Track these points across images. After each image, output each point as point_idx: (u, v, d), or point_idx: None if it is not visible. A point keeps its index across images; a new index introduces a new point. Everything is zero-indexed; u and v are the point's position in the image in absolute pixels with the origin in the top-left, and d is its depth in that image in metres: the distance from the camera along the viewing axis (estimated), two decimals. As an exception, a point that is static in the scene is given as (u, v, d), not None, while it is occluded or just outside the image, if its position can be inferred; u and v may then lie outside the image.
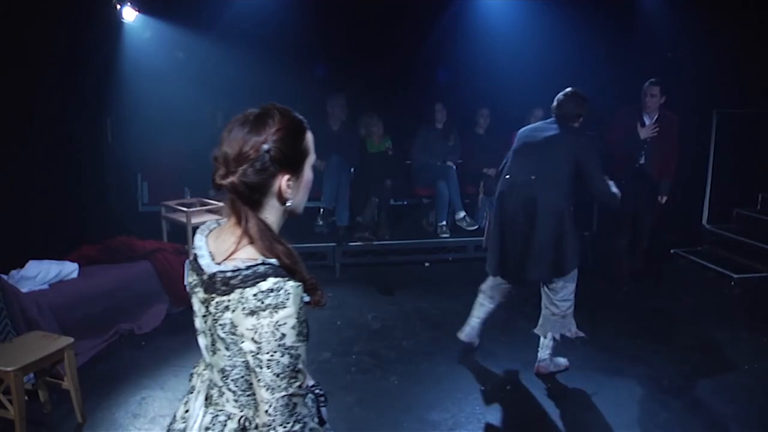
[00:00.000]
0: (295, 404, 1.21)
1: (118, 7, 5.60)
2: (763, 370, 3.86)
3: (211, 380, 1.36)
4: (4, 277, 3.71)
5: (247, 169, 1.23)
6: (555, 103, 3.63)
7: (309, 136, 1.32)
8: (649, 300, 5.12)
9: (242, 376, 1.28)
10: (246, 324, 1.18)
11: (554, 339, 3.69)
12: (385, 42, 6.41)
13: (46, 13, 4.63)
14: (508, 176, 3.65)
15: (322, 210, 6.02)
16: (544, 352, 3.72)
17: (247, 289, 1.18)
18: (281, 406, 1.19)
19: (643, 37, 6.28)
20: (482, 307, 3.89)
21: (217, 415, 1.33)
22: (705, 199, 6.27)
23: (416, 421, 3.25)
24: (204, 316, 1.29)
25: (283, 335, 1.17)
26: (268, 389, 1.19)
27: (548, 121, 3.67)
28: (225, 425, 1.31)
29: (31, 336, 3.22)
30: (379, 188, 5.95)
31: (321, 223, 6.07)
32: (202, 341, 1.34)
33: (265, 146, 1.23)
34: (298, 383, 1.21)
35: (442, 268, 5.92)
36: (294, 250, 1.27)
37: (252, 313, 1.17)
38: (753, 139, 6.00)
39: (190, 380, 1.52)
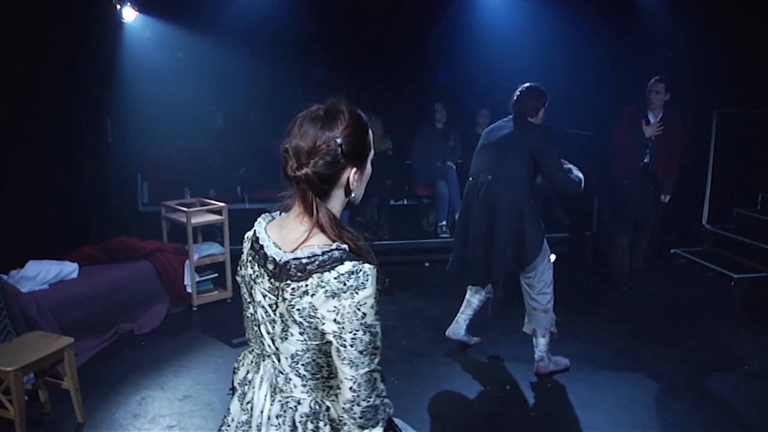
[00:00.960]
0: (376, 379, 1.29)
1: (118, 7, 5.60)
2: (763, 370, 3.86)
3: (275, 369, 1.39)
4: (4, 277, 3.71)
5: (319, 161, 1.29)
6: (513, 98, 3.65)
7: (371, 133, 1.40)
8: (649, 300, 5.11)
9: (314, 360, 1.32)
10: (327, 306, 1.25)
11: (549, 335, 3.70)
12: (385, 42, 6.41)
13: (46, 13, 4.63)
14: (470, 178, 3.74)
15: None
16: (539, 351, 3.73)
17: (326, 273, 1.25)
18: (365, 381, 1.27)
19: (643, 37, 6.28)
20: (468, 303, 3.95)
21: (286, 402, 1.37)
22: (705, 199, 6.27)
23: (416, 421, 3.24)
24: (272, 304, 1.34)
25: (364, 314, 1.24)
26: (352, 366, 1.26)
27: (506, 119, 3.69)
28: (296, 410, 1.36)
29: (31, 336, 3.22)
30: (379, 188, 5.95)
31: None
32: (266, 330, 1.38)
33: (338, 140, 1.30)
34: (377, 359, 1.29)
35: (442, 268, 5.86)
36: (360, 237, 1.35)
37: (334, 295, 1.24)
38: (753, 139, 6.00)
39: (234, 373, 1.55)
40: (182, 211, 4.81)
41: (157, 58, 6.03)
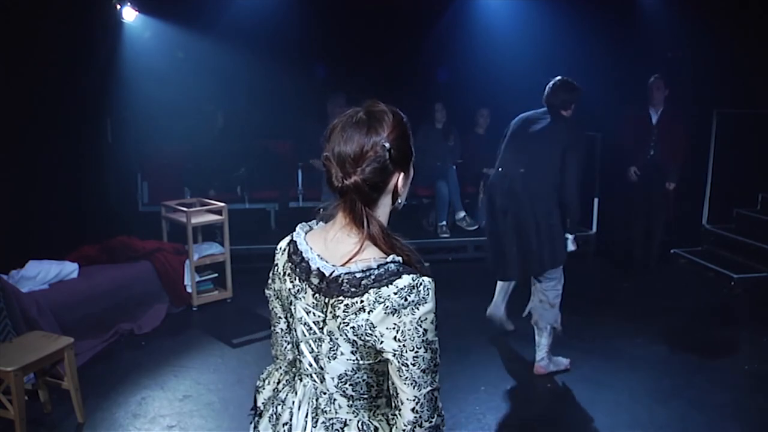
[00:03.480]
0: (437, 398, 1.23)
1: (118, 7, 5.60)
2: (763, 370, 3.86)
3: (316, 389, 1.31)
4: (4, 277, 3.71)
5: (367, 168, 1.20)
6: (546, 91, 3.62)
7: (411, 135, 1.33)
8: (650, 300, 5.11)
9: (364, 380, 1.25)
10: (387, 323, 1.17)
11: (552, 334, 3.70)
12: (385, 42, 6.41)
13: (46, 13, 4.63)
14: (500, 168, 3.68)
15: (322, 210, 6.01)
16: (541, 351, 3.73)
17: (384, 288, 1.17)
18: (427, 401, 1.21)
19: (643, 37, 6.28)
20: (501, 285, 4.04)
21: (333, 424, 1.29)
22: (705, 199, 6.26)
23: (416, 421, 3.24)
24: (318, 322, 1.25)
25: (426, 330, 1.19)
26: (414, 386, 1.20)
27: (540, 111, 3.65)
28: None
29: (31, 336, 3.22)
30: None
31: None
32: (308, 348, 1.29)
33: (387, 145, 1.21)
34: (438, 377, 1.23)
35: (442, 268, 5.92)
36: (412, 247, 1.28)
37: (394, 311, 1.17)
38: (753, 139, 5.99)
39: (258, 392, 1.46)
40: (182, 211, 4.81)
41: (157, 58, 6.03)
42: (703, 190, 6.26)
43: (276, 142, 6.53)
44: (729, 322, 4.60)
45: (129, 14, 5.72)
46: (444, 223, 6.18)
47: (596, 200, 6.26)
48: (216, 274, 4.95)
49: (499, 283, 4.06)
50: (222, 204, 4.99)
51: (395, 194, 1.30)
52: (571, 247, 3.64)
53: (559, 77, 3.62)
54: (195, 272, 4.79)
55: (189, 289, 4.77)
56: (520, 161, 3.55)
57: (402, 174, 1.28)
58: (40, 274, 3.89)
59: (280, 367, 1.43)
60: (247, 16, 5.97)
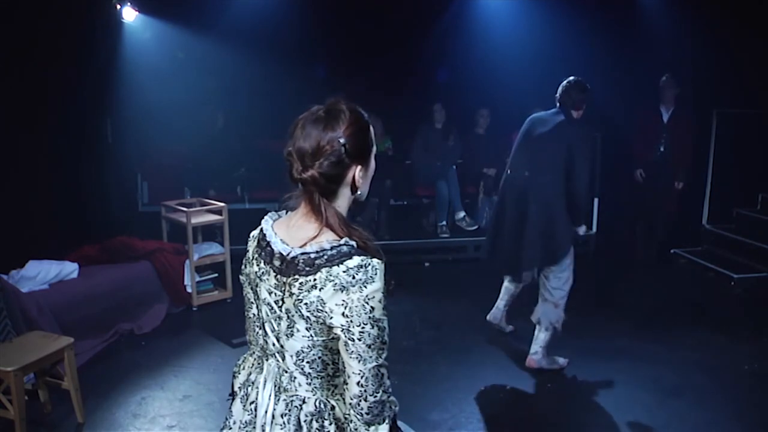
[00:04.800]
0: (383, 375, 1.30)
1: (118, 7, 5.60)
2: (763, 370, 3.86)
3: (279, 368, 1.39)
4: (4, 277, 3.71)
5: (324, 162, 1.30)
6: (559, 90, 3.66)
7: (372, 130, 1.42)
8: (650, 300, 5.11)
9: (319, 357, 1.33)
10: (336, 299, 1.25)
11: (552, 331, 3.71)
12: (385, 42, 6.41)
13: (46, 13, 4.63)
14: (509, 171, 3.76)
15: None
16: (536, 345, 3.74)
17: (335, 267, 1.26)
18: (372, 376, 1.28)
19: (644, 37, 6.28)
20: (506, 290, 4.05)
21: (291, 401, 1.37)
22: (705, 199, 6.27)
23: (416, 421, 3.24)
24: (278, 300, 1.34)
25: (372, 308, 1.25)
26: (360, 360, 1.27)
27: (551, 111, 3.69)
28: (301, 409, 1.36)
29: (31, 336, 3.22)
30: (379, 188, 5.95)
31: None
32: (270, 328, 1.38)
33: (342, 140, 1.31)
34: (385, 354, 1.30)
35: (442, 268, 5.92)
36: (368, 234, 1.36)
37: (342, 288, 1.25)
38: (753, 139, 6.00)
39: (234, 377, 1.54)
40: (182, 211, 4.81)
41: (157, 58, 6.03)
42: (703, 190, 6.26)
43: (276, 142, 6.52)
44: (729, 322, 4.60)
45: (129, 14, 5.72)
46: (444, 223, 6.18)
47: (596, 200, 6.25)
48: (216, 274, 4.95)
49: (504, 288, 4.07)
50: (222, 204, 4.99)
51: (354, 186, 1.37)
52: (582, 230, 3.75)
53: (572, 77, 3.65)
54: (195, 272, 4.79)
55: (189, 289, 4.77)
56: (525, 162, 3.62)
57: (360, 167, 1.36)
58: (40, 274, 3.89)
59: (254, 352, 1.49)
60: (247, 16, 5.97)
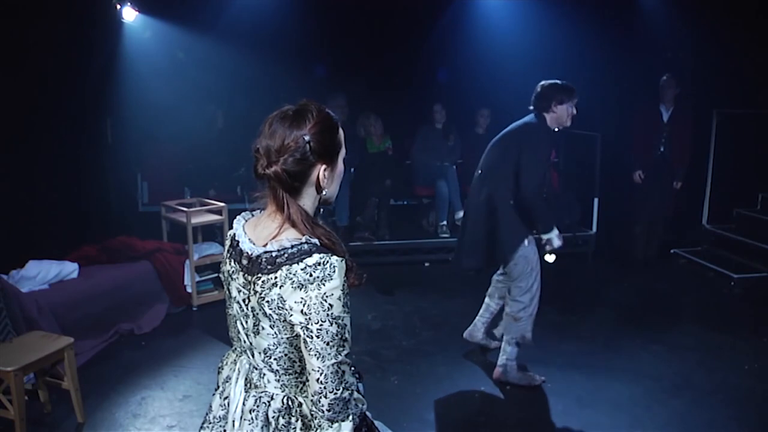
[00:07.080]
0: (344, 372, 1.30)
1: (118, 7, 5.60)
2: (763, 370, 3.85)
3: (250, 365, 1.42)
4: (4, 277, 3.71)
5: (288, 158, 1.32)
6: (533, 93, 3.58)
7: (341, 132, 1.42)
8: (649, 300, 5.11)
9: (285, 354, 1.35)
10: (295, 297, 1.27)
11: (516, 344, 3.57)
12: (385, 42, 6.41)
13: (46, 13, 4.63)
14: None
15: (321, 210, 6.01)
16: (502, 357, 3.62)
17: (294, 265, 1.27)
18: (331, 373, 1.29)
19: (643, 37, 6.28)
20: (486, 306, 3.95)
21: (260, 397, 1.40)
22: (705, 199, 6.26)
23: (416, 421, 3.25)
24: (245, 299, 1.36)
25: (331, 306, 1.27)
26: (318, 357, 1.28)
27: (528, 116, 3.59)
28: (269, 405, 1.39)
29: (31, 336, 3.22)
30: (379, 188, 5.95)
31: (321, 223, 6.06)
32: (241, 325, 1.41)
33: (306, 138, 1.33)
34: (345, 351, 1.30)
35: (442, 268, 5.91)
36: (333, 232, 1.38)
37: (300, 286, 1.27)
38: (753, 139, 6.00)
39: (219, 373, 1.57)
40: (182, 211, 4.81)
41: (157, 58, 6.03)
42: (703, 190, 6.26)
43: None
44: (729, 322, 4.60)
45: (129, 14, 5.72)
46: (444, 222, 6.18)
47: (596, 200, 6.25)
48: (216, 274, 4.95)
49: (484, 304, 3.95)
50: (222, 204, 4.99)
51: (318, 185, 1.39)
52: (557, 242, 3.47)
53: (544, 81, 3.54)
54: (195, 272, 4.79)
55: (189, 289, 4.77)
56: (481, 163, 3.62)
57: (325, 166, 1.37)
58: (40, 274, 3.89)
59: (236, 348, 1.51)
60: (247, 15, 5.97)
